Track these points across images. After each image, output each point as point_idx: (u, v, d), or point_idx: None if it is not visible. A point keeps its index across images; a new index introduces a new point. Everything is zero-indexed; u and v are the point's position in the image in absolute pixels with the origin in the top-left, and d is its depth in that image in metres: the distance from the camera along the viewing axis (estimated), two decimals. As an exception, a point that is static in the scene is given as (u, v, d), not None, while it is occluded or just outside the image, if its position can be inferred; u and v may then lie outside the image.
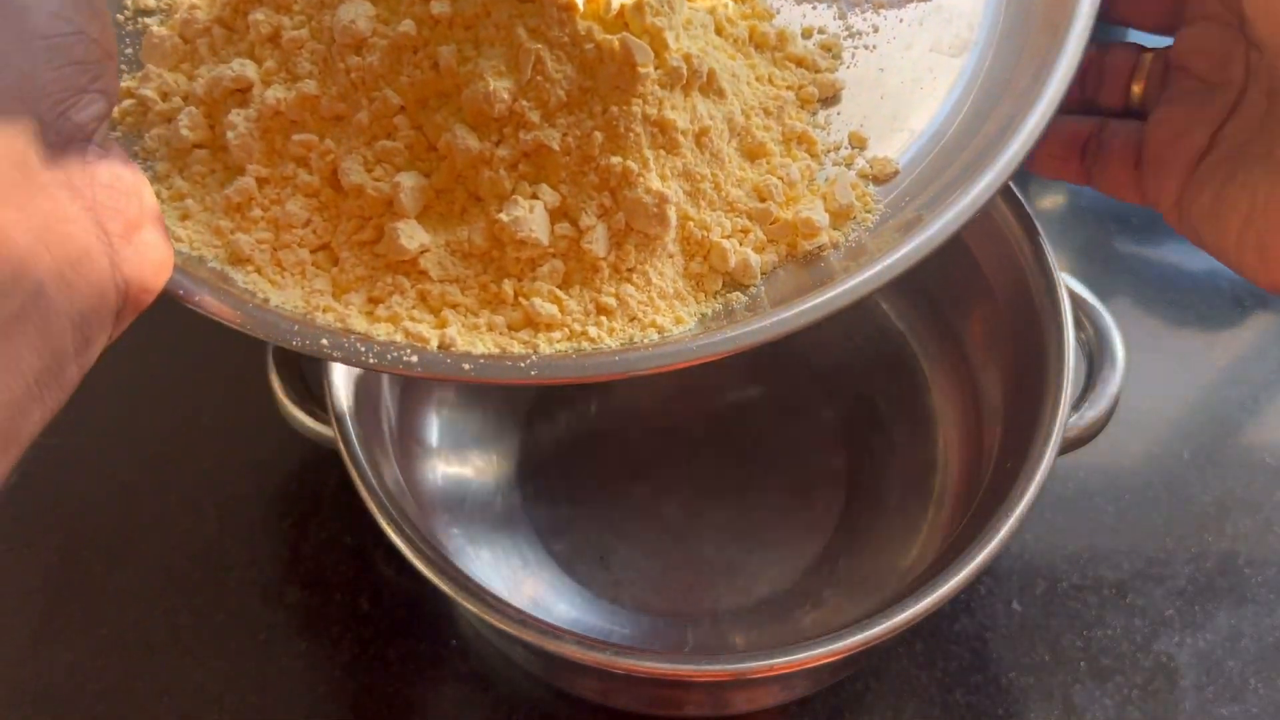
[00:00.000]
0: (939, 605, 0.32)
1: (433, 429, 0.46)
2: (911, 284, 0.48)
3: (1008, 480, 0.35)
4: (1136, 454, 0.48)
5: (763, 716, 0.42)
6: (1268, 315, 0.53)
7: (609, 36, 0.27)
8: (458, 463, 0.46)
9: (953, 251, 0.44)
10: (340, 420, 0.36)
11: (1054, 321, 0.38)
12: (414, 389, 0.46)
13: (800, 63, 0.32)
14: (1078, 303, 0.40)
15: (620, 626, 0.43)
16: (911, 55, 0.33)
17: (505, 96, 0.27)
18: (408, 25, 0.28)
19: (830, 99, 0.32)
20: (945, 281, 0.46)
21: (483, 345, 0.27)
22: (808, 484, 0.46)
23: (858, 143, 0.32)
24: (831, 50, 0.33)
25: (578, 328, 0.27)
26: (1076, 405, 0.38)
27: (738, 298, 0.29)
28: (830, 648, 0.31)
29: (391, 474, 0.37)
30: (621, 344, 0.27)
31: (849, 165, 0.31)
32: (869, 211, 0.30)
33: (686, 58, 0.28)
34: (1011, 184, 0.38)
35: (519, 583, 0.44)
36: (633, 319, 0.28)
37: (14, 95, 0.19)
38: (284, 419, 0.38)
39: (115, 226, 0.20)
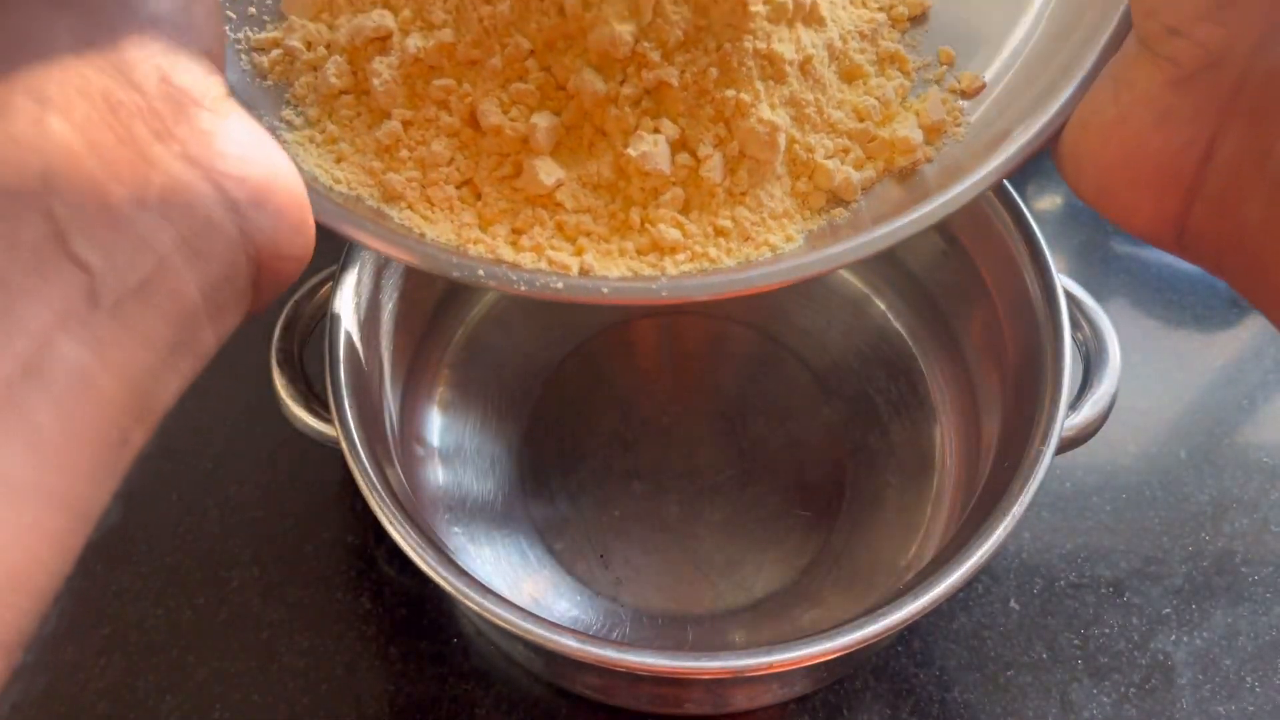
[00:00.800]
0: (937, 604, 0.32)
1: (434, 428, 0.47)
2: (910, 284, 0.49)
3: (1005, 479, 0.35)
4: (1133, 454, 0.48)
5: (762, 714, 0.42)
6: (1264, 316, 0.53)
7: None
8: (459, 462, 0.46)
9: (951, 253, 0.45)
10: (342, 419, 0.36)
11: (1051, 322, 0.38)
12: (415, 388, 0.46)
13: None
14: (1075, 303, 0.40)
15: (620, 625, 0.43)
16: None
17: (628, 39, 0.28)
18: None
19: (919, 18, 0.34)
20: (944, 282, 0.47)
21: (616, 270, 0.29)
22: (807, 483, 0.47)
23: (946, 59, 0.33)
24: None
25: (699, 249, 0.29)
26: (1074, 405, 0.38)
27: (840, 213, 0.30)
28: (828, 645, 0.31)
29: (393, 473, 0.37)
30: (738, 262, 0.29)
31: (939, 82, 0.33)
32: (959, 126, 0.31)
33: None
34: (1009, 185, 0.39)
35: (519, 581, 0.44)
36: (747, 239, 0.30)
37: (111, 69, 0.18)
38: (286, 417, 0.39)
39: (241, 194, 0.20)
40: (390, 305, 0.43)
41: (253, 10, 0.33)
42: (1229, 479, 0.48)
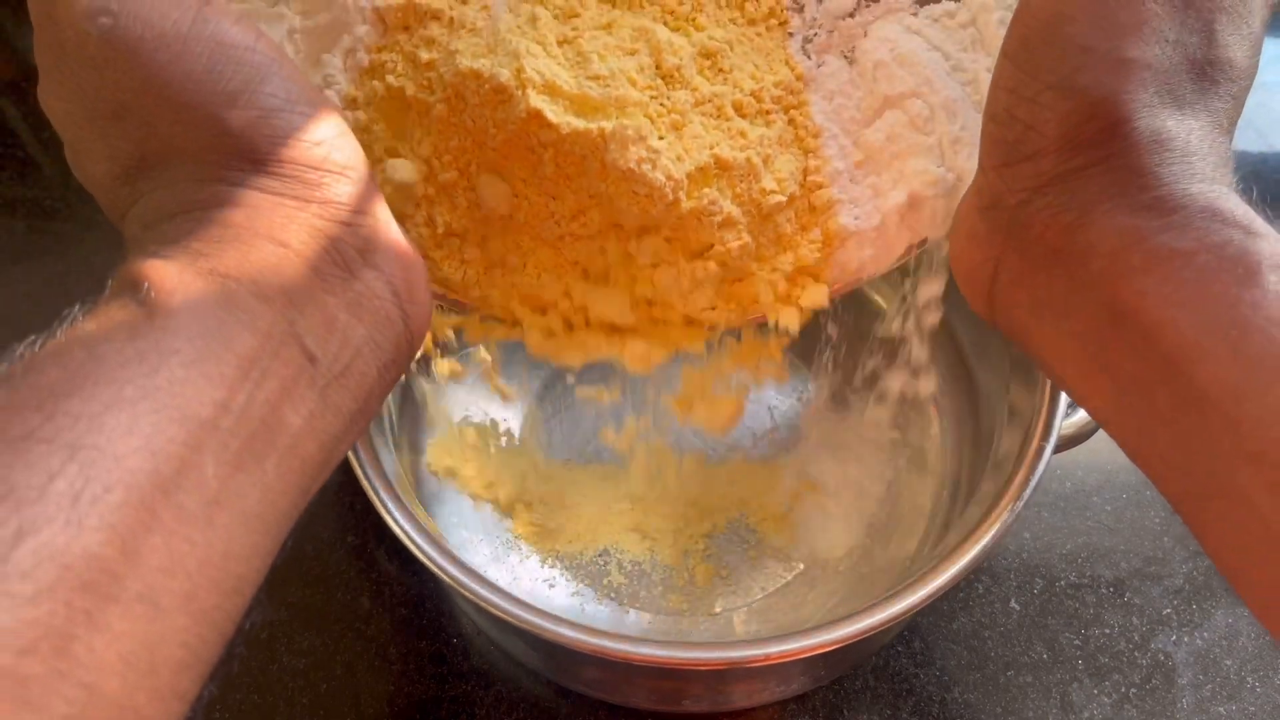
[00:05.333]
0: (931, 599, 0.32)
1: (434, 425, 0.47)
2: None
3: (1005, 476, 0.36)
4: (1134, 453, 0.48)
5: (762, 713, 0.42)
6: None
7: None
8: (459, 459, 0.46)
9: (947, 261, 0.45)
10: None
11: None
12: (415, 387, 0.46)
13: None
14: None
15: (619, 626, 0.43)
16: None
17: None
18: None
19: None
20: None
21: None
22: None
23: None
24: None
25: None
26: (1074, 403, 0.38)
27: None
28: (824, 638, 0.32)
29: (393, 470, 0.37)
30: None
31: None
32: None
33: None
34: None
35: (517, 578, 0.44)
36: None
37: (327, 213, 0.25)
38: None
39: (404, 291, 0.26)
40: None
41: None
42: (1229, 479, 0.48)
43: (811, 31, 0.34)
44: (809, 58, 0.34)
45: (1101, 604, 0.45)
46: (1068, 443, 0.37)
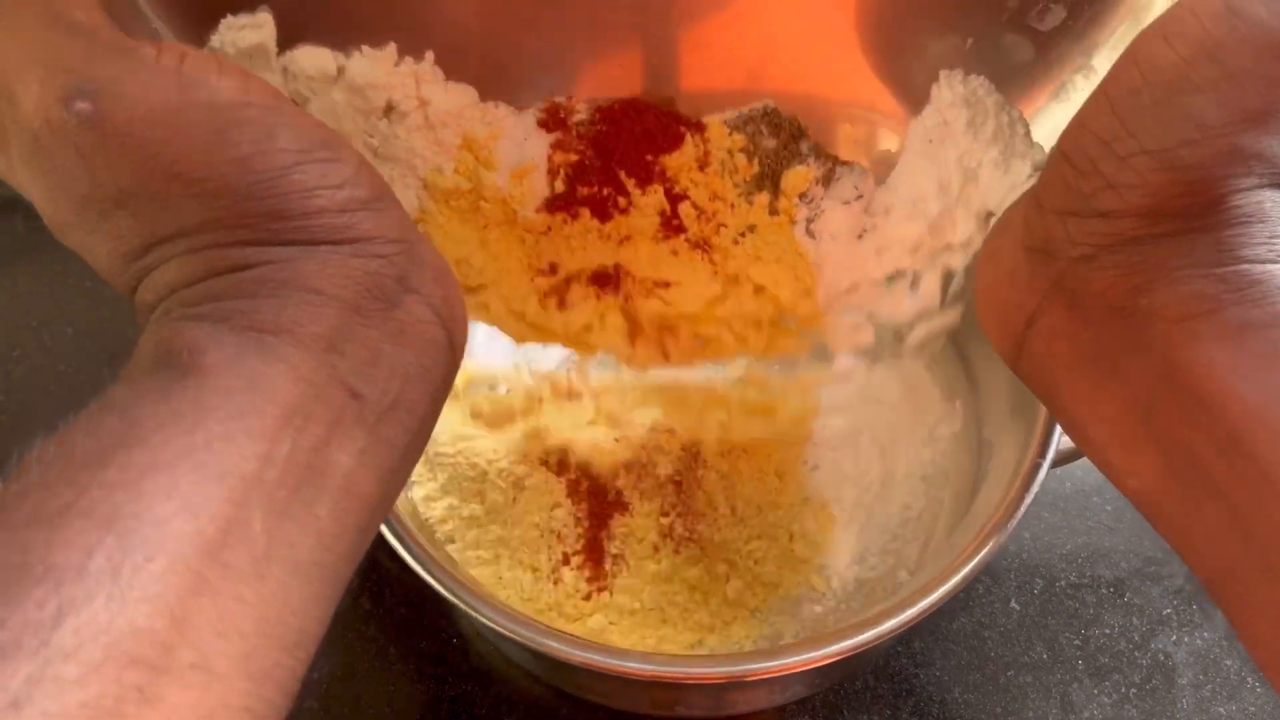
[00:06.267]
0: (918, 620, 0.33)
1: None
2: None
3: (1002, 490, 0.36)
4: (1134, 453, 0.48)
5: (762, 716, 0.42)
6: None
7: None
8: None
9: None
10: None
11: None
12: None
13: None
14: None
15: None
16: None
17: None
18: None
19: None
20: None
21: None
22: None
23: None
24: None
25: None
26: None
27: None
28: (820, 653, 0.32)
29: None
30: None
31: None
32: None
33: None
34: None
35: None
36: None
37: (362, 250, 0.24)
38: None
39: (444, 309, 0.25)
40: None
41: None
42: (1230, 479, 0.48)
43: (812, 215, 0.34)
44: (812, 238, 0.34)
45: (1101, 604, 0.45)
46: (1066, 457, 0.37)
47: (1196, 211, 0.23)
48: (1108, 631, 0.44)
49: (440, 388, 0.25)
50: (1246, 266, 0.22)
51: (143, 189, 0.22)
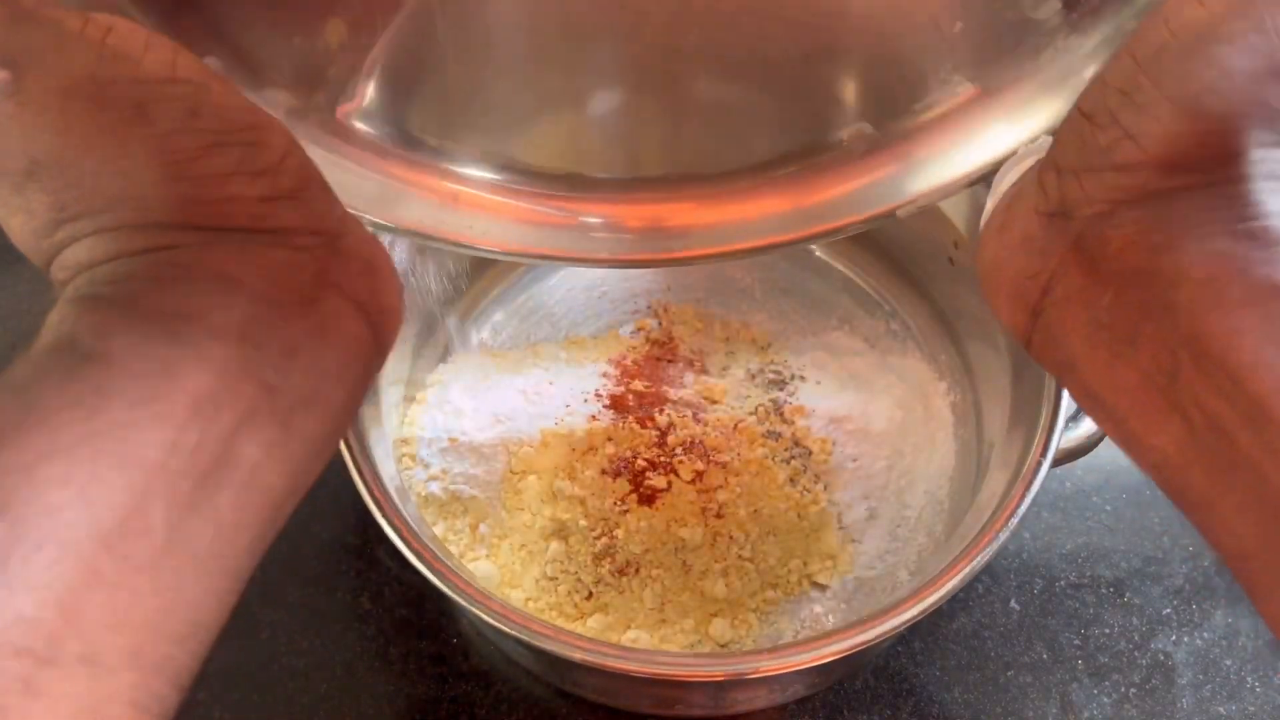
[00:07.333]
0: (917, 619, 0.33)
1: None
2: (919, 296, 0.49)
3: (1002, 491, 0.36)
4: (1134, 453, 0.48)
5: (762, 715, 0.42)
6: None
7: None
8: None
9: (956, 271, 0.45)
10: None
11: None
12: (414, 391, 0.46)
13: None
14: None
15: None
16: None
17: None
18: None
19: None
20: (947, 294, 0.47)
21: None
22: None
23: None
24: None
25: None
26: (1074, 417, 0.38)
27: None
28: (820, 652, 0.32)
29: (391, 475, 0.37)
30: None
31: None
32: None
33: None
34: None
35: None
36: None
37: (280, 242, 0.23)
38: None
39: (370, 301, 0.25)
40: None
41: None
42: (1229, 479, 0.48)
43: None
44: None
45: (1101, 604, 0.45)
46: (1067, 456, 0.37)
47: (1217, 164, 0.22)
48: (1108, 631, 0.44)
49: (360, 383, 0.25)
50: (1274, 222, 0.22)
51: (55, 161, 0.21)
